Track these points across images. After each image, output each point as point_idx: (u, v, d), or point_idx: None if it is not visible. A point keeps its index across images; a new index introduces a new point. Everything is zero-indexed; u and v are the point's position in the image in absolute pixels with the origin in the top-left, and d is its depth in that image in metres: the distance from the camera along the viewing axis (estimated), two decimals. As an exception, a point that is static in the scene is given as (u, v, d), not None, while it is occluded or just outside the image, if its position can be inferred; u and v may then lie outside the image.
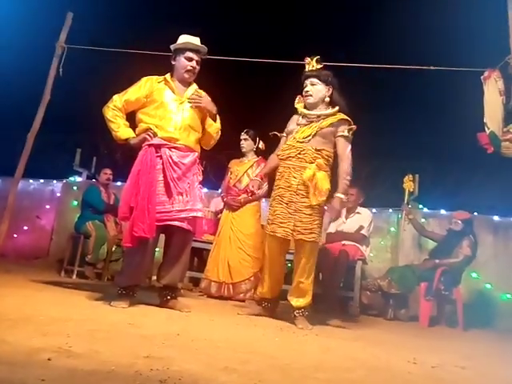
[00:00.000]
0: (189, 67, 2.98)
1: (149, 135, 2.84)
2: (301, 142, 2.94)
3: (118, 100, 2.93)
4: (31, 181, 6.24)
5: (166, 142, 2.86)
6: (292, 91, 3.30)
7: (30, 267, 4.98)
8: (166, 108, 2.91)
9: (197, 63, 3.01)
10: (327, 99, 3.03)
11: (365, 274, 4.88)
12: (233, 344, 2.01)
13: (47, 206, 6.16)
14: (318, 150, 2.91)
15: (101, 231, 4.79)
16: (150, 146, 2.83)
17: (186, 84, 3.04)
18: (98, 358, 1.48)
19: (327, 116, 3.00)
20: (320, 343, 2.40)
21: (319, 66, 3.05)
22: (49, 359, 1.38)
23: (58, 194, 6.21)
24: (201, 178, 3.03)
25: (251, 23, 6.75)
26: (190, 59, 2.98)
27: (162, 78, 3.03)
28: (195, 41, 3.04)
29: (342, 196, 2.90)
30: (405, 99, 6.76)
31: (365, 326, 3.46)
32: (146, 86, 2.96)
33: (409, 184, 4.99)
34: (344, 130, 2.97)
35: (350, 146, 2.98)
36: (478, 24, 5.16)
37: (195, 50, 3.00)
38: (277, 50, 4.81)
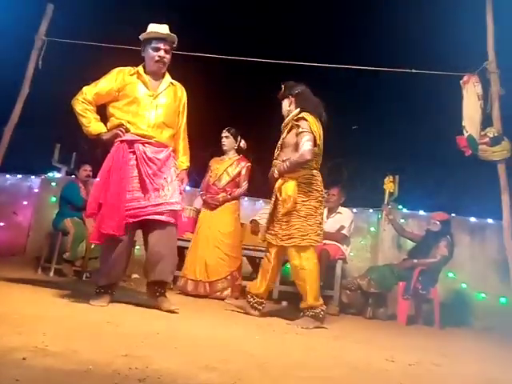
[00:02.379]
0: (156, 57, 2.83)
1: (121, 131, 2.76)
2: (275, 159, 3.21)
3: (87, 92, 2.81)
4: (8, 176, 6.07)
5: (139, 138, 2.78)
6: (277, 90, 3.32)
7: (6, 264, 4.85)
8: (139, 104, 2.81)
9: (165, 52, 2.86)
10: (290, 108, 3.23)
11: (345, 273, 4.93)
12: (213, 342, 2.00)
13: (24, 202, 6.01)
14: (284, 161, 3.08)
15: (80, 228, 4.70)
16: (122, 141, 2.75)
17: (159, 76, 2.91)
18: (76, 357, 1.46)
19: (286, 124, 3.22)
20: (300, 342, 2.42)
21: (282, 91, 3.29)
22: (24, 358, 1.35)
23: (36, 190, 6.07)
24: (178, 172, 2.94)
25: (237, 19, 6.73)
26: (157, 49, 2.83)
27: (134, 70, 2.89)
28: (162, 29, 2.88)
29: (276, 172, 3.12)
30: (386, 102, 6.86)
31: (344, 325, 3.50)
32: (117, 78, 2.84)
33: (389, 185, 5.07)
34: (298, 129, 3.07)
35: (306, 137, 3.01)
36: (457, 30, 5.28)
37: (162, 39, 2.84)
38: (262, 49, 4.81)
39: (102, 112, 2.94)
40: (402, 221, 5.42)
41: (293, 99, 3.22)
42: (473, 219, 5.55)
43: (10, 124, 4.35)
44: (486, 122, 4.06)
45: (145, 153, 2.76)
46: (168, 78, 2.96)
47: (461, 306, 5.00)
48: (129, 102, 2.81)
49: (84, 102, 2.79)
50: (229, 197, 4.30)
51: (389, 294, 4.39)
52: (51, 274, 4.58)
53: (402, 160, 5.69)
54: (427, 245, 4.36)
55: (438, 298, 4.22)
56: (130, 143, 2.75)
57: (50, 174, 6.10)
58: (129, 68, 2.91)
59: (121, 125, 2.78)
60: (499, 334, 3.85)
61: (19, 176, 6.16)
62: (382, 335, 3.23)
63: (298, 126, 3.06)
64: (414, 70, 4.37)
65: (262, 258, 4.99)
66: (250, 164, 4.46)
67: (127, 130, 2.77)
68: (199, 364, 1.55)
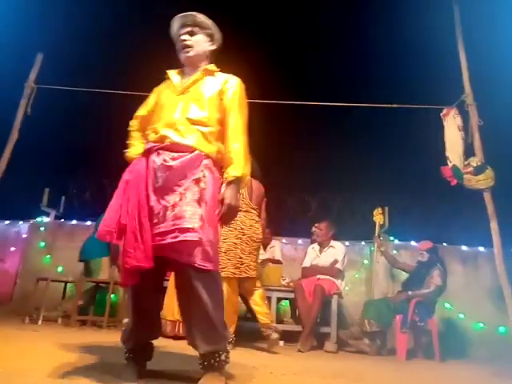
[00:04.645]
0: (180, 45, 2.26)
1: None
2: None
3: (134, 120, 2.35)
4: (-4, 222, 6.01)
5: (154, 144, 2.09)
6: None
7: (-9, 314, 4.70)
8: (163, 106, 2.21)
9: (189, 34, 2.25)
10: None
11: (341, 308, 4.86)
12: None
13: (12, 248, 5.91)
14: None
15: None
16: (143, 155, 2.14)
17: (194, 68, 2.28)
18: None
19: None
20: (298, 382, 2.34)
21: None
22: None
23: (24, 235, 5.98)
24: (205, 187, 2.00)
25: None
26: (179, 36, 2.27)
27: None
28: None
29: None
30: (371, 136, 7.03)
31: (343, 363, 3.41)
32: (154, 93, 2.34)
33: (379, 217, 5.12)
34: None
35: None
36: (435, 67, 5.53)
37: (183, 24, 2.27)
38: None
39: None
40: (395, 252, 5.42)
41: None
42: (464, 248, 5.58)
43: (-1, 170, 4.34)
44: (468, 151, 4.18)
45: (154, 161, 2.04)
46: (206, 67, 2.27)
47: (459, 337, 4.94)
48: (157, 110, 2.23)
49: (132, 131, 2.33)
50: None
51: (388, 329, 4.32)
52: (39, 322, 4.43)
53: (390, 192, 5.76)
54: (420, 275, 4.36)
55: (437, 329, 4.16)
56: (147, 153, 2.10)
57: (39, 219, 6.04)
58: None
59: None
60: (500, 365, 3.78)
61: (7, 222, 6.08)
62: (382, 372, 3.15)
63: None
64: (395, 105, 4.54)
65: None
66: None
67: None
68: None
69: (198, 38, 2.25)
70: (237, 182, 2.02)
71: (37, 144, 6.14)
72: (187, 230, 1.85)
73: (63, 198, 6.04)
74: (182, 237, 1.83)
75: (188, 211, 1.90)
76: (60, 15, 6.21)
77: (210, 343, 1.90)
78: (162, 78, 2.39)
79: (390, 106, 4.57)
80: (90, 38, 6.55)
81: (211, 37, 2.30)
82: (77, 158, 6.92)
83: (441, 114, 4.37)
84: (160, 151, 2.04)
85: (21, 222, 6.07)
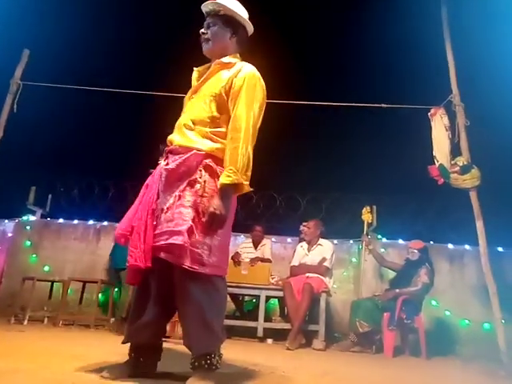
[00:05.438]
0: (200, 38, 2.17)
1: None
2: None
3: None
4: (-20, 221, 5.90)
5: (167, 148, 2.11)
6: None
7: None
8: (183, 110, 2.20)
9: (207, 26, 2.14)
10: None
11: (329, 306, 4.89)
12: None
13: (-3, 248, 5.81)
14: None
15: None
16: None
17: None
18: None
19: None
20: (287, 381, 2.35)
21: None
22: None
23: (10, 234, 5.89)
24: (200, 188, 1.91)
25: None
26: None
27: None
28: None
29: None
30: (361, 135, 7.09)
31: (331, 361, 3.43)
32: None
33: (367, 215, 5.15)
34: None
35: None
36: (423, 67, 5.58)
37: (205, 13, 2.18)
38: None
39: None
40: (382, 250, 5.46)
41: None
42: (451, 246, 5.64)
43: (-16, 168, 4.28)
44: (455, 151, 4.23)
45: (160, 165, 2.08)
46: (219, 60, 2.11)
47: (446, 334, 5.00)
48: None
49: None
50: None
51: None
52: (25, 322, 4.37)
53: (378, 191, 5.81)
54: (408, 274, 4.40)
55: (423, 327, 4.21)
56: (164, 157, 2.12)
57: (25, 218, 5.95)
58: None
59: None
60: (485, 362, 3.84)
61: (-8, 220, 5.98)
62: (370, 369, 3.18)
63: None
64: (383, 105, 4.57)
65: (245, 295, 4.96)
66: None
67: None
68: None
69: (215, 29, 2.12)
70: (227, 189, 1.88)
71: (23, 141, 6.05)
72: (175, 232, 1.83)
73: (50, 196, 5.96)
74: (170, 239, 1.83)
75: (179, 214, 1.87)
76: (47, 11, 6.13)
77: (203, 345, 1.87)
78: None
79: (378, 106, 4.60)
80: (77, 34, 6.48)
81: (233, 27, 2.14)
82: (64, 156, 6.84)
83: (428, 114, 4.41)
84: (169, 155, 2.04)
85: (6, 221, 5.98)
